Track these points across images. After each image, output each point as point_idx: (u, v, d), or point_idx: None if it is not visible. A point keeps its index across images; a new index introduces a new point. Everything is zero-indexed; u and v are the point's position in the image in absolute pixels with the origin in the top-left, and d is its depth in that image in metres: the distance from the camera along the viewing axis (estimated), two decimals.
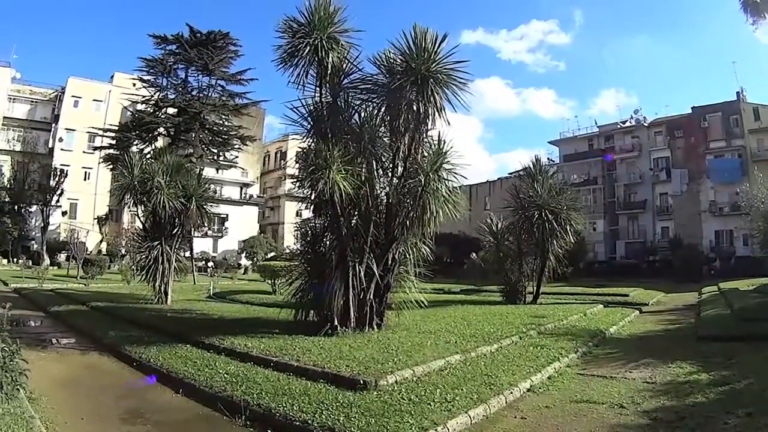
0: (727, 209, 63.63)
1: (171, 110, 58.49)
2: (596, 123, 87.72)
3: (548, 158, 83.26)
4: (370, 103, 16.27)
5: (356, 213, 16.00)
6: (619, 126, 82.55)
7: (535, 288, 27.71)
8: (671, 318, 23.10)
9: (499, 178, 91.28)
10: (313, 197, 15.61)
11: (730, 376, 10.83)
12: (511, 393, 9.68)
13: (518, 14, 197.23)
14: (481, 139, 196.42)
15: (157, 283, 23.81)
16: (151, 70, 57.95)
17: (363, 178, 15.14)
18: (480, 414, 8.54)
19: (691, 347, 14.79)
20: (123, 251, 59.64)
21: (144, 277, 24.12)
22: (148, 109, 58.69)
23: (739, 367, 11.74)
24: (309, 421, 7.75)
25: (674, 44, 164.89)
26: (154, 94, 58.49)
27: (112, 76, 79.68)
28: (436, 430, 7.55)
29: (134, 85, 61.37)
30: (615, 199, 78.48)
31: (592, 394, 10.04)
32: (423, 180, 14.79)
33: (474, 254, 42.19)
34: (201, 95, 59.23)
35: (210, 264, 70.71)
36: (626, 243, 76.36)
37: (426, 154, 15.77)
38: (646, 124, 79.40)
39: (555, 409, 9.20)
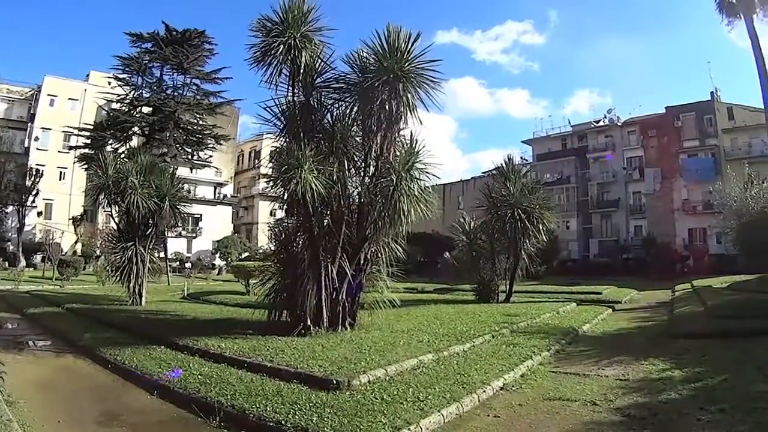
0: (700, 208, 64.01)
1: (146, 109, 58.34)
2: (570, 122, 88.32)
3: (522, 157, 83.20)
4: (342, 103, 16.30)
5: (328, 212, 16.05)
6: (592, 125, 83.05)
7: (507, 286, 27.77)
8: (644, 315, 23.26)
9: (472, 178, 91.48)
10: (285, 197, 15.58)
11: (704, 373, 10.91)
12: (484, 391, 9.71)
13: (493, 15, 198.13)
14: (456, 139, 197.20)
15: (131, 284, 23.70)
16: (126, 69, 57.62)
17: (335, 177, 15.11)
18: (453, 413, 8.57)
19: (665, 344, 14.91)
20: (98, 252, 59.15)
21: (118, 278, 24.00)
22: (123, 108, 58.42)
23: (713, 363, 11.84)
24: (282, 422, 7.74)
25: (649, 45, 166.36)
26: (129, 92, 58.23)
27: (88, 75, 78.98)
28: (409, 429, 7.57)
29: (109, 83, 61.03)
30: (588, 198, 78.82)
31: (565, 391, 10.07)
32: (395, 179, 14.81)
33: (447, 253, 42.23)
34: (176, 94, 59.16)
35: (188, 264, 70.38)
36: (600, 241, 76.77)
37: (398, 154, 15.79)
38: (619, 124, 79.75)
39: (528, 407, 9.25)
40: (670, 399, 9.29)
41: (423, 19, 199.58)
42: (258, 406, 8.42)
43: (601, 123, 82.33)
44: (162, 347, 13.42)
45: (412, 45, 15.12)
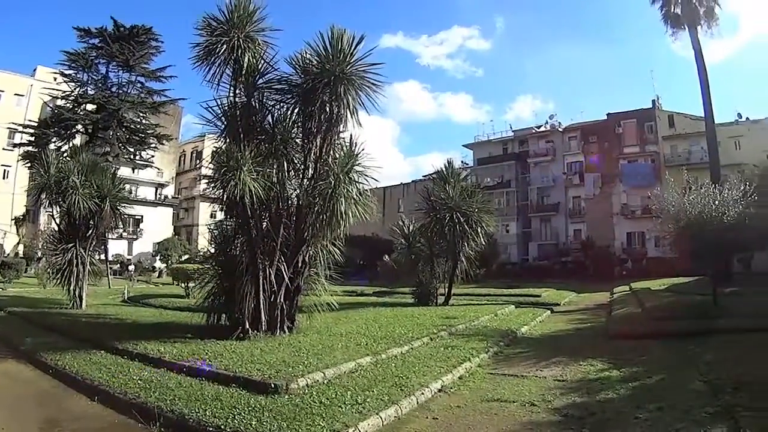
0: (639, 212, 64.71)
1: (90, 107, 57.40)
2: (511, 127, 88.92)
3: (462, 161, 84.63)
4: (284, 104, 16.30)
5: (267, 215, 15.97)
6: (534, 130, 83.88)
7: (446, 289, 27.97)
8: (583, 317, 23.63)
9: (413, 181, 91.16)
10: (224, 198, 15.39)
11: (641, 373, 11.15)
12: (423, 394, 9.80)
13: (440, 20, 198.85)
14: (398, 142, 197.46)
15: (71, 287, 23.33)
16: (72, 65, 56.57)
17: (274, 179, 15.19)
18: (391, 415, 8.62)
19: (603, 345, 15.19)
20: (39, 254, 58.26)
21: (59, 280, 23.64)
22: (68, 105, 57.31)
23: (650, 363, 12.12)
24: (222, 427, 7.75)
25: (593, 53, 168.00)
26: (75, 89, 57.12)
27: (35, 70, 77.17)
28: None
29: (55, 79, 59.71)
30: (528, 202, 79.54)
31: (503, 393, 10.20)
32: (333, 182, 14.82)
33: (387, 256, 42.27)
34: (120, 92, 58.19)
35: (131, 267, 69.42)
36: (539, 245, 77.46)
37: (338, 156, 15.81)
38: (561, 129, 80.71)
39: (466, 408, 9.34)
40: (608, 399, 9.48)
41: (369, 22, 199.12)
42: (197, 411, 8.38)
43: (542, 128, 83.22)
44: (102, 351, 13.28)
45: (355, 47, 15.29)
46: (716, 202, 19.37)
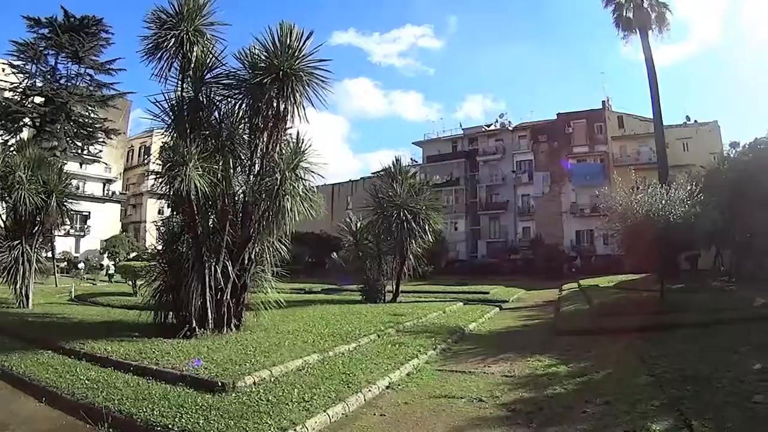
0: (587, 210, 65.43)
1: (38, 99, 56.50)
2: (461, 126, 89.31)
3: (411, 159, 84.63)
4: (231, 99, 16.19)
5: (213, 211, 15.92)
6: (484, 129, 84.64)
7: (394, 286, 28.14)
8: (531, 314, 23.87)
9: (361, 178, 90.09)
10: (171, 194, 15.25)
11: (589, 368, 11.35)
12: (370, 391, 9.83)
13: (393, 18, 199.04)
14: (348, 139, 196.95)
15: (17, 286, 22.88)
16: (21, 55, 55.96)
17: (220, 175, 15.01)
18: (339, 412, 8.64)
19: (551, 341, 15.42)
20: None
21: (4, 279, 23.19)
22: (15, 97, 56.33)
23: (598, 359, 12.34)
24: (170, 426, 7.69)
25: (544, 54, 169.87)
26: (23, 80, 56.42)
27: None
28: (294, 429, 7.61)
29: (3, 70, 58.78)
30: (477, 200, 79.90)
31: (452, 389, 10.26)
32: (279, 178, 14.78)
33: (335, 254, 42.24)
34: (69, 84, 57.71)
35: (80, 265, 68.37)
36: (488, 242, 78.02)
37: (284, 152, 15.70)
38: (510, 128, 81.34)
39: (414, 405, 9.37)
40: (555, 393, 9.60)
41: (320, 19, 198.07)
42: (145, 410, 8.30)
43: (492, 127, 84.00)
44: (49, 352, 13.03)
45: (304, 43, 15.28)
46: (663, 202, 19.64)
